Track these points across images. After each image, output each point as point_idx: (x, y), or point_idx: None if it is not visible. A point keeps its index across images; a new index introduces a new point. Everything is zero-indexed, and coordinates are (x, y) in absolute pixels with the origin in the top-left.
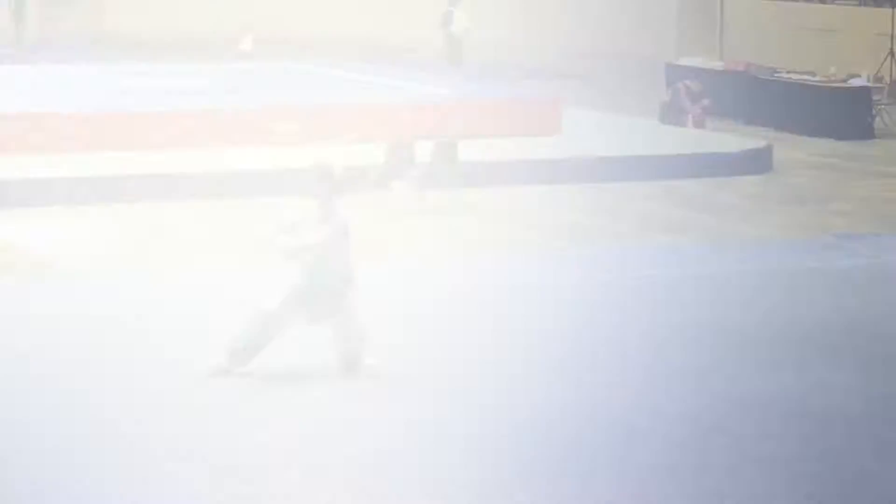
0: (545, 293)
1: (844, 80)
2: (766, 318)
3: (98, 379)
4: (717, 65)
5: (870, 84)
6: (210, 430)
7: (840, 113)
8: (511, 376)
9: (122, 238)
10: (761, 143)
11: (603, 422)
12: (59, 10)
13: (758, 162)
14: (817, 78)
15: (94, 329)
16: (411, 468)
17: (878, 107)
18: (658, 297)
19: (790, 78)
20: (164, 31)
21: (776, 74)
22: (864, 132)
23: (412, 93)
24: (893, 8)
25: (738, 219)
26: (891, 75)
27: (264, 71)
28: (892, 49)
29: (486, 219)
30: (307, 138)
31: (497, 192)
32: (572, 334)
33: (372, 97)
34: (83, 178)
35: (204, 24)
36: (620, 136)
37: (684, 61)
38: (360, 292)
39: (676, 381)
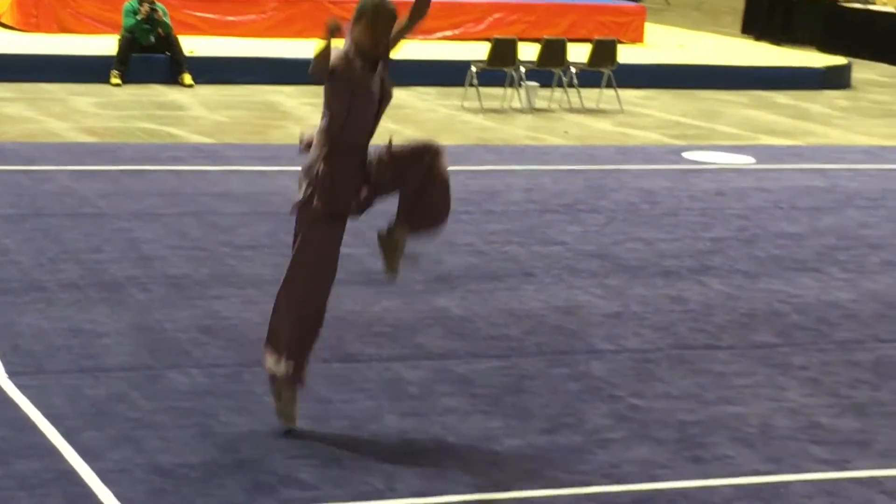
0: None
1: None
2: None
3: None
4: None
5: None
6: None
7: None
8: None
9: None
10: (842, 61)
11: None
12: None
13: (839, 78)
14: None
15: None
16: None
17: None
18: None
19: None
20: None
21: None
22: None
23: None
24: None
25: (842, 127)
26: None
27: None
28: None
29: (594, 118)
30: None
31: (595, 94)
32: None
33: None
34: None
35: None
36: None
37: None
38: None
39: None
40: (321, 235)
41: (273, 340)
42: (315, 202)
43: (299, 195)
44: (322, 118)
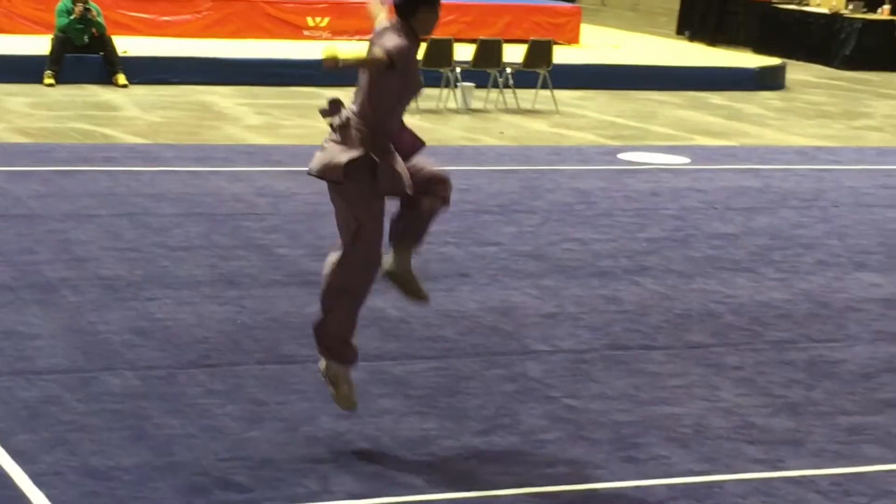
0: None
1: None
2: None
3: None
4: None
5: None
6: None
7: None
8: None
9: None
10: (776, 62)
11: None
12: None
13: (773, 79)
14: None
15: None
16: None
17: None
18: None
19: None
20: None
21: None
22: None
23: None
24: None
25: (776, 128)
26: None
27: None
28: None
29: (530, 118)
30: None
31: (531, 94)
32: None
33: None
34: None
35: None
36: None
37: None
38: None
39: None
40: (375, 215)
41: (324, 325)
42: (365, 182)
43: (334, 169)
44: (357, 100)
